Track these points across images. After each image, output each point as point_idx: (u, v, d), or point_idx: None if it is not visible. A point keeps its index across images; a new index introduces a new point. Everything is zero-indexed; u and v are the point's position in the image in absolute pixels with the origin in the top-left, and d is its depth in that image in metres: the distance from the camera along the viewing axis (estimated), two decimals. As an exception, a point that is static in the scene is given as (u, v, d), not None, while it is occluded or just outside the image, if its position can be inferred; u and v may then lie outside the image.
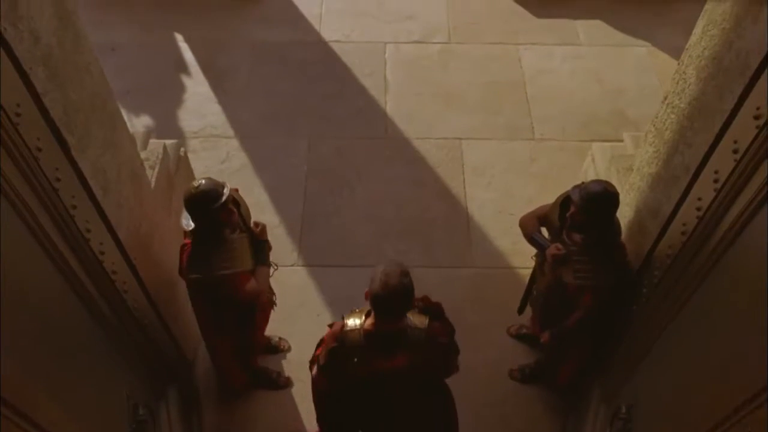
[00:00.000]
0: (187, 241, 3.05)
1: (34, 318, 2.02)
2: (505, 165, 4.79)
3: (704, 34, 2.60)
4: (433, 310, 2.62)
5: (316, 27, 5.72)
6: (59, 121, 2.28)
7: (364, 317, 2.53)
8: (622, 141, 4.08)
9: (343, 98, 5.19)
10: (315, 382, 2.75)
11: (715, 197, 2.31)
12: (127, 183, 2.94)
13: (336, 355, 2.54)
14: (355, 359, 2.48)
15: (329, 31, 5.68)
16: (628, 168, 3.39)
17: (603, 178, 3.36)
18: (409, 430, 2.87)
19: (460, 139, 4.81)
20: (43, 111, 2.18)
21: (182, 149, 4.03)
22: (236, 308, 3.19)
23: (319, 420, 2.93)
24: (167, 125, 4.99)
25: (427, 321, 2.54)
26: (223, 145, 4.90)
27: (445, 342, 2.60)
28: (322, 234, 4.44)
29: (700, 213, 2.41)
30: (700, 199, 2.44)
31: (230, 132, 4.97)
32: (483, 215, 4.53)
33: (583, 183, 3.05)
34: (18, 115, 1.93)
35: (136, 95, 5.12)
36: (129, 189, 2.96)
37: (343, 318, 2.58)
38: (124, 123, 3.07)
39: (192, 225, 2.97)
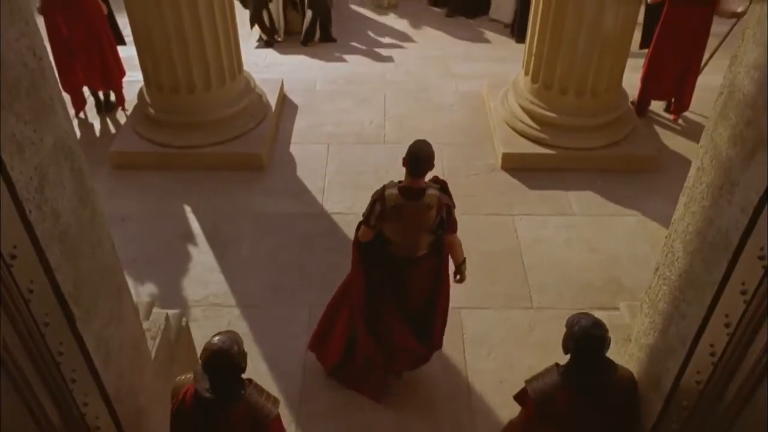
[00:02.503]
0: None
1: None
2: (504, 334, 4.80)
3: (686, 210, 2.75)
4: (442, 184, 3.83)
5: (319, 199, 6.00)
6: (68, 294, 2.35)
7: (397, 182, 3.73)
8: (618, 309, 4.14)
9: (345, 269, 5.28)
10: (359, 238, 3.90)
11: (714, 370, 2.32)
12: (128, 354, 2.95)
13: (379, 202, 3.72)
14: (392, 204, 3.69)
15: (332, 203, 5.94)
16: (626, 338, 3.41)
17: (602, 348, 3.36)
18: (418, 285, 4.00)
19: (460, 308, 4.85)
20: (55, 286, 2.25)
21: (184, 319, 4.07)
22: None
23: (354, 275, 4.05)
24: (171, 294, 5.07)
25: (438, 187, 3.76)
26: (225, 314, 4.94)
27: (447, 201, 3.74)
28: (321, 405, 4.35)
29: (701, 386, 2.41)
30: (699, 372, 2.45)
31: (232, 301, 5.04)
32: (484, 385, 4.46)
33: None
34: (30, 291, 2.01)
35: (142, 263, 5.26)
36: (129, 360, 2.96)
37: (384, 187, 3.76)
38: (130, 294, 3.15)
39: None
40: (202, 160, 6.26)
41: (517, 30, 9.48)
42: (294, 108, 7.26)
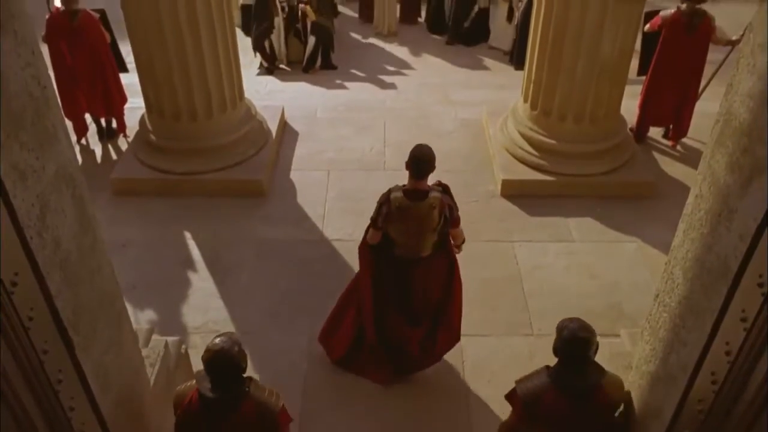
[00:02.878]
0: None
1: None
2: (505, 361, 4.77)
3: (685, 237, 2.75)
4: (444, 187, 4.05)
5: (319, 226, 6.01)
6: (68, 321, 2.35)
7: (402, 186, 3.94)
8: (618, 336, 4.12)
9: (345, 294, 5.30)
10: (368, 240, 4.13)
11: (715, 399, 2.31)
12: (126, 381, 2.94)
13: (385, 205, 3.93)
14: (397, 206, 3.89)
15: (332, 230, 5.95)
16: (627, 366, 3.40)
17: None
18: (423, 286, 4.19)
19: (461, 335, 4.83)
20: (54, 313, 2.25)
21: (183, 346, 4.06)
22: None
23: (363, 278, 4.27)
24: (170, 320, 5.05)
25: (440, 190, 3.98)
26: (224, 340, 4.91)
27: (449, 202, 3.96)
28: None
29: (702, 415, 2.40)
30: (700, 400, 2.44)
31: (231, 327, 5.01)
32: (485, 412, 4.42)
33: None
34: (30, 319, 2.01)
35: (142, 290, 5.25)
36: (128, 388, 2.95)
37: (389, 190, 3.97)
38: (129, 321, 3.14)
39: None
40: (203, 187, 6.29)
41: (516, 57, 9.60)
42: (295, 135, 7.31)
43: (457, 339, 4.49)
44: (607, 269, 5.57)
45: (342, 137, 7.26)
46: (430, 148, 3.89)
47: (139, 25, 5.86)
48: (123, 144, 7.10)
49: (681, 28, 6.46)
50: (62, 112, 2.82)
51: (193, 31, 5.81)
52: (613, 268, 5.58)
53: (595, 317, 5.06)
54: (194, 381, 2.93)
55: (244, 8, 9.98)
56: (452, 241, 4.21)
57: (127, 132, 7.11)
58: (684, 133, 7.03)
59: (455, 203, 4.05)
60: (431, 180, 4.01)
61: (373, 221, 4.03)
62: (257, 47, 9.49)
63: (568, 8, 5.71)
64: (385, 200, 3.95)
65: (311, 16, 9.24)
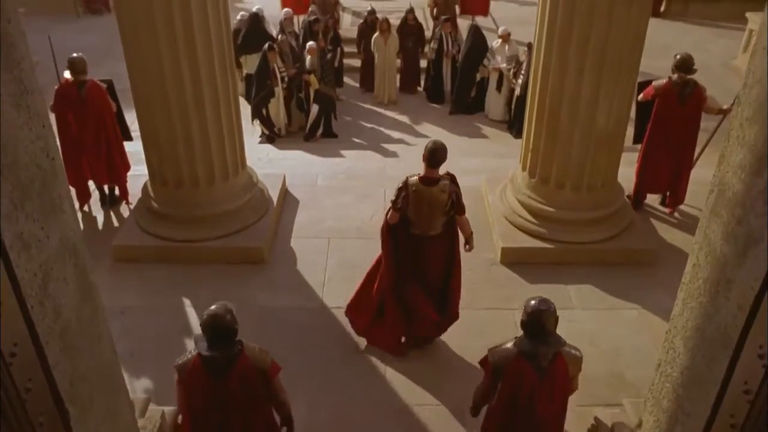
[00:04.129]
0: None
1: None
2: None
3: (685, 306, 2.76)
4: (452, 177, 4.75)
5: (319, 293, 6.00)
6: (65, 392, 2.33)
7: (417, 174, 4.73)
8: (621, 405, 4.06)
9: (344, 363, 5.25)
10: (388, 220, 4.86)
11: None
12: (121, 454, 2.88)
13: (404, 189, 4.71)
14: (414, 190, 4.69)
15: (332, 298, 5.93)
16: (632, 437, 3.34)
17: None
18: (433, 258, 4.99)
19: (462, 408, 4.76)
20: (52, 383, 2.24)
21: (179, 417, 3.98)
22: None
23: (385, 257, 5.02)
24: (168, 389, 4.91)
25: (449, 179, 4.73)
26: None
27: (456, 189, 4.73)
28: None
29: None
30: (706, 474, 2.39)
31: (229, 396, 4.93)
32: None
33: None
34: (28, 390, 1.99)
35: (139, 358, 5.19)
36: (123, 461, 2.90)
37: (407, 177, 4.75)
38: (126, 391, 3.11)
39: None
40: (204, 254, 6.31)
41: (514, 125, 9.84)
42: (296, 202, 7.38)
43: (456, 317, 5.23)
44: (608, 337, 5.53)
45: (342, 205, 7.33)
46: (443, 143, 4.70)
47: (145, 97, 6.01)
48: (125, 211, 7.16)
49: (673, 98, 6.62)
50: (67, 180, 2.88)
51: (198, 106, 5.96)
52: (614, 336, 5.53)
53: (597, 385, 5.02)
54: (193, 348, 3.52)
55: (248, 78, 10.26)
56: (461, 233, 4.99)
57: (130, 199, 7.18)
58: (681, 200, 7.10)
59: (460, 191, 4.80)
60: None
61: (394, 203, 4.80)
62: (256, 114, 9.70)
63: (564, 81, 5.88)
64: (403, 185, 4.75)
65: (314, 85, 9.48)
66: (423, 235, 4.91)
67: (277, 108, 9.81)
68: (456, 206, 4.81)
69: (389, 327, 5.23)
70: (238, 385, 3.47)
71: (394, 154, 9.00)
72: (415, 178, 4.75)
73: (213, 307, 3.48)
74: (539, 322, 3.46)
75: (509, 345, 3.60)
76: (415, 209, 4.81)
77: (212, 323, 3.41)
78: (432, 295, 5.09)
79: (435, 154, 4.67)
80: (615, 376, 5.12)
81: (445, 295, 5.11)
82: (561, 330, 5.52)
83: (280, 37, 10.20)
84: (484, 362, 3.75)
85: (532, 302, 3.51)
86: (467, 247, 5.03)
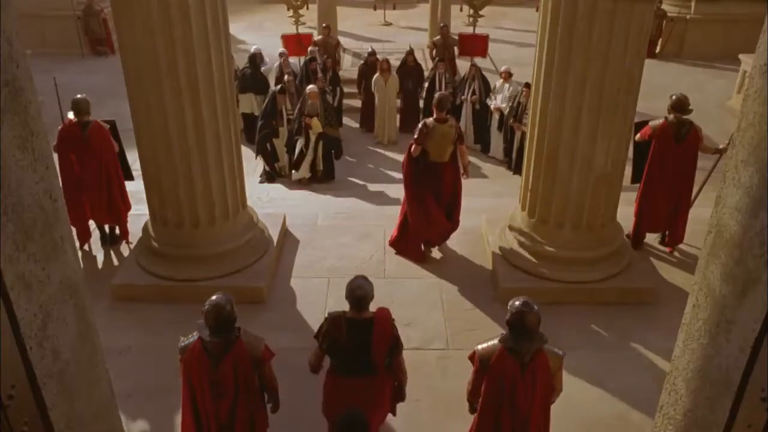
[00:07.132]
0: None
1: None
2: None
3: (685, 347, 2.75)
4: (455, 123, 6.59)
5: (319, 333, 5.95)
6: (61, 435, 2.31)
7: (433, 117, 6.49)
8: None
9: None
10: (411, 153, 6.66)
11: None
12: (117, 499, 2.84)
13: (424, 127, 6.48)
14: (431, 127, 6.45)
15: (331, 337, 5.88)
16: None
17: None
18: (445, 181, 6.75)
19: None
20: (48, 426, 2.22)
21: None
22: None
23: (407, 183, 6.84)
24: (165, 431, 4.91)
25: (454, 118, 6.71)
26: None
27: (458, 125, 6.71)
28: None
29: None
30: None
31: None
32: None
33: None
34: (24, 433, 1.98)
35: (138, 398, 5.14)
36: (118, 506, 2.85)
37: (424, 119, 6.49)
38: (123, 433, 3.08)
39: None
40: (204, 294, 6.12)
41: (513, 163, 10.00)
42: (296, 242, 7.39)
43: (458, 224, 7.00)
44: (610, 377, 5.47)
45: (342, 245, 7.34)
46: (445, 93, 6.80)
47: (147, 138, 6.07)
48: (125, 250, 7.16)
49: (670, 138, 6.69)
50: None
51: (200, 145, 6.01)
52: (616, 376, 5.48)
53: (601, 427, 4.95)
54: (195, 333, 3.89)
55: (244, 117, 10.37)
56: (461, 161, 6.80)
57: (130, 238, 7.19)
58: (680, 240, 7.11)
59: (460, 127, 6.92)
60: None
61: (416, 140, 6.52)
62: (260, 150, 9.78)
63: (561, 124, 5.95)
64: (423, 125, 6.55)
65: (317, 128, 9.47)
66: (437, 161, 6.60)
67: (281, 146, 9.91)
68: (459, 138, 6.65)
69: (412, 236, 6.88)
70: (230, 369, 3.83)
71: (394, 194, 9.04)
72: (431, 119, 6.56)
73: (214, 297, 3.83)
74: (521, 321, 3.79)
75: (495, 341, 3.93)
76: (432, 142, 6.50)
77: (214, 313, 3.77)
78: (443, 209, 6.75)
79: (441, 101, 6.55)
80: (619, 418, 5.07)
81: (451, 209, 6.82)
82: (565, 373, 5.52)
83: (286, 77, 10.34)
84: (472, 357, 4.06)
85: (516, 303, 3.86)
86: (464, 175, 6.88)
